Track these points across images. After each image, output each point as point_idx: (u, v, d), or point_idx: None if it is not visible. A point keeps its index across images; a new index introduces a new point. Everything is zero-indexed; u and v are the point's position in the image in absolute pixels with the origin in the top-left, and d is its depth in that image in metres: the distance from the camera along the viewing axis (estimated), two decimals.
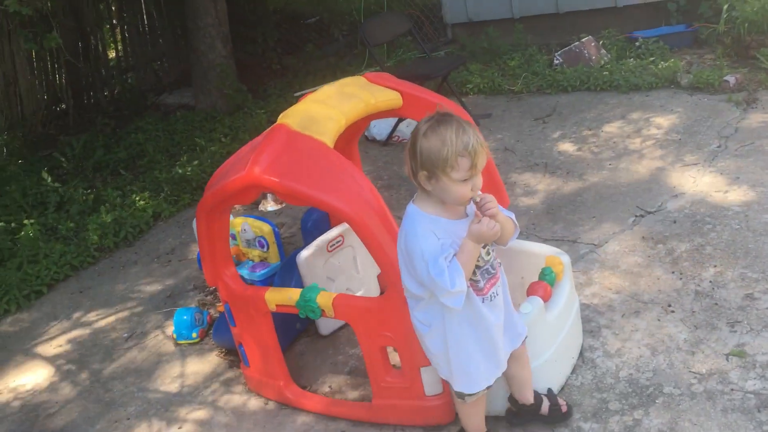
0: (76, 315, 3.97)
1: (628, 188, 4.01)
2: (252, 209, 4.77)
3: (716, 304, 2.90)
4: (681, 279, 3.11)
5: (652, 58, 5.81)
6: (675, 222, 3.56)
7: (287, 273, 3.24)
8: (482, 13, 7.87)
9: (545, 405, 2.48)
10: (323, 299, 2.56)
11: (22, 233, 4.87)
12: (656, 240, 3.44)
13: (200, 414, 2.95)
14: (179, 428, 2.89)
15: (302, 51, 8.68)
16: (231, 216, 3.86)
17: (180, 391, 3.14)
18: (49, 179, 5.63)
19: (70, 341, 3.72)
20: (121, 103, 8.27)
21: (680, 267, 3.19)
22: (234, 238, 3.69)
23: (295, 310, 2.62)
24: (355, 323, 2.57)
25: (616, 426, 2.41)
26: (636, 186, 4.02)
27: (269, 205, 4.74)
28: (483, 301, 2.14)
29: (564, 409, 2.48)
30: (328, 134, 2.48)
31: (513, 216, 2.17)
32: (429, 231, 2.04)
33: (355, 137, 3.26)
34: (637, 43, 6.16)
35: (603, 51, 6.28)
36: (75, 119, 7.81)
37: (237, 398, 3.00)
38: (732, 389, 2.46)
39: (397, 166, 5.13)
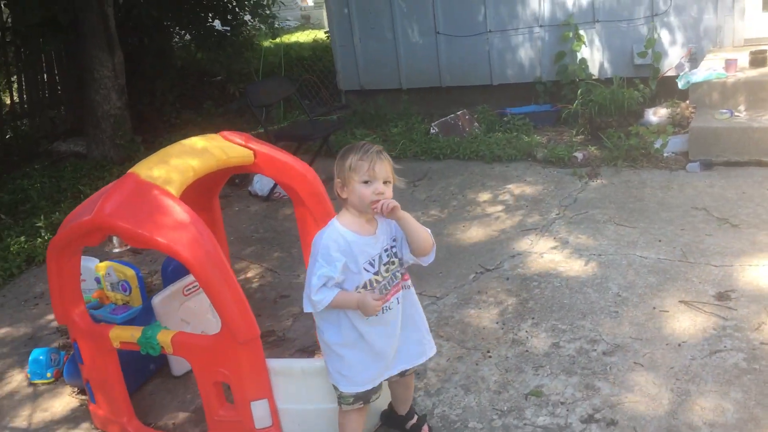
0: None
1: (475, 248, 4.42)
2: (99, 251, 4.91)
3: (527, 351, 3.28)
4: (503, 329, 3.48)
5: (515, 133, 6.38)
6: (508, 279, 3.96)
7: (146, 315, 3.42)
8: (373, 82, 8.40)
9: (411, 422, 2.78)
10: (163, 336, 2.77)
11: None
12: (489, 294, 3.82)
13: None
14: None
15: (202, 107, 8.94)
16: (97, 260, 4.02)
17: (27, 428, 3.23)
18: None
19: None
20: (12, 148, 8.24)
21: (504, 318, 3.57)
22: (99, 281, 3.83)
23: (137, 347, 2.82)
24: (192, 359, 2.79)
25: None
26: (482, 246, 4.43)
27: (115, 248, 4.93)
28: (378, 316, 2.40)
29: None
30: (174, 184, 2.73)
31: (429, 232, 2.44)
32: (334, 244, 2.35)
33: (216, 190, 3.52)
34: (506, 119, 6.75)
35: (476, 124, 6.83)
36: None
37: None
38: (525, 423, 2.80)
39: (274, 220, 5.40)
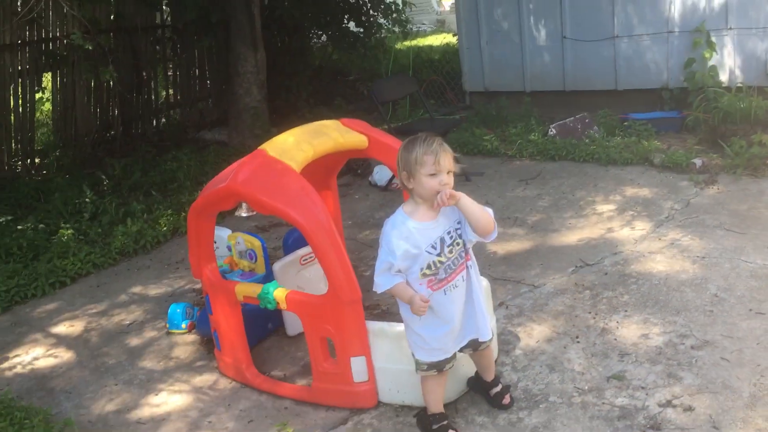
0: (90, 305, 4.63)
1: (578, 244, 4.55)
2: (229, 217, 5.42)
3: (615, 339, 3.41)
4: (594, 318, 3.62)
5: (635, 138, 6.38)
6: (606, 274, 4.08)
7: (268, 281, 3.85)
8: (497, 84, 8.59)
9: (495, 390, 3.00)
10: (279, 293, 3.17)
11: (58, 235, 5.61)
12: (585, 287, 3.97)
13: (177, 386, 3.54)
14: (155, 395, 3.48)
15: (333, 103, 9.49)
16: (229, 231, 4.52)
17: (163, 368, 3.74)
18: (89, 192, 6.40)
19: (80, 324, 4.36)
20: (165, 135, 9.13)
21: (597, 309, 3.71)
22: (230, 249, 4.33)
23: (257, 301, 3.23)
24: (302, 316, 3.16)
25: (502, 421, 2.93)
26: (585, 243, 4.56)
27: (243, 213, 5.43)
28: (445, 292, 2.68)
29: (505, 401, 2.99)
30: (295, 161, 3.12)
31: (491, 212, 2.68)
32: (397, 231, 2.63)
33: (334, 171, 3.90)
34: (626, 124, 6.75)
35: (595, 127, 6.87)
36: (122, 145, 8.66)
37: (208, 377, 3.59)
38: (603, 402, 2.95)
39: (390, 208, 5.74)
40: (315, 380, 3.20)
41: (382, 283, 2.67)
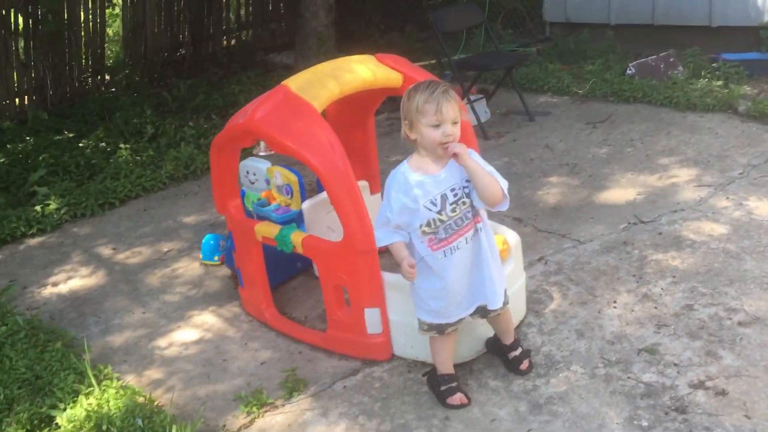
0: (134, 229, 4.67)
1: (636, 198, 4.22)
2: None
3: (656, 308, 3.14)
4: (638, 282, 3.35)
5: (722, 81, 5.82)
6: (660, 234, 3.76)
7: (301, 219, 3.76)
8: (580, 15, 8.02)
9: (513, 353, 2.82)
10: (296, 237, 3.05)
11: (117, 155, 5.68)
12: (634, 246, 3.67)
13: (199, 318, 3.53)
14: (178, 326, 3.48)
15: (404, 30, 9.13)
16: (269, 163, 4.42)
17: (190, 297, 3.74)
18: (149, 113, 6.43)
19: (122, 246, 4.41)
20: (234, 56, 9.06)
21: (642, 272, 3.43)
22: (268, 183, 4.23)
23: (274, 243, 3.13)
24: (318, 261, 3.05)
25: (516, 388, 2.76)
26: (644, 197, 4.21)
27: (261, 151, 5.30)
28: (444, 254, 2.50)
29: (523, 366, 2.80)
30: (318, 100, 2.94)
31: (498, 177, 2.47)
32: (395, 183, 2.49)
33: (370, 110, 3.69)
34: (715, 65, 6.17)
35: (680, 68, 6.32)
36: (191, 65, 8.65)
37: (231, 311, 3.56)
38: (628, 377, 2.73)
39: None
40: (329, 328, 3.11)
41: (380, 238, 2.53)
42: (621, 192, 4.33)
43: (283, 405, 2.82)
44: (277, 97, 2.95)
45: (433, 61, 7.54)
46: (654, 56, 6.40)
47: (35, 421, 2.75)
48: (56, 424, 2.73)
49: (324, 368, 3.03)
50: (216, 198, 3.37)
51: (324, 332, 3.16)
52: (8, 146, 5.88)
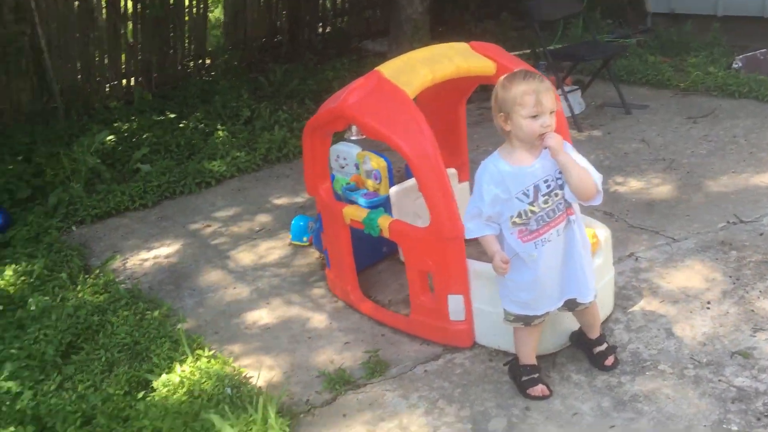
0: (228, 207, 4.85)
1: (737, 196, 4.04)
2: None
3: (752, 311, 3.02)
4: (734, 284, 3.22)
5: None
6: (761, 235, 3.60)
7: (388, 204, 3.80)
8: (684, 6, 7.73)
9: (599, 348, 2.77)
10: (383, 221, 3.10)
11: (214, 136, 5.90)
12: (733, 246, 3.53)
13: (287, 297, 3.64)
14: (267, 303, 3.60)
15: (499, 18, 9.02)
16: (359, 148, 4.48)
17: (279, 276, 3.86)
18: (246, 96, 6.64)
19: (217, 224, 4.59)
20: (329, 43, 9.20)
21: (740, 274, 3.29)
22: (357, 167, 4.30)
23: (362, 226, 3.19)
24: (404, 246, 3.08)
25: (600, 383, 2.71)
26: (745, 196, 4.03)
27: (352, 135, 5.34)
28: (536, 245, 2.48)
29: (608, 362, 2.75)
30: (411, 86, 2.96)
31: (593, 170, 2.43)
32: (487, 175, 2.48)
33: (462, 98, 3.68)
34: None
35: None
36: (287, 51, 8.85)
37: (317, 291, 3.65)
38: (719, 380, 2.64)
39: None
40: (413, 312, 3.14)
41: (471, 229, 2.53)
42: (721, 190, 4.16)
43: (365, 385, 2.88)
44: (370, 82, 3.00)
45: (528, 51, 7.42)
46: (763, 50, 6.09)
47: (133, 383, 2.92)
48: (152, 387, 2.88)
49: (406, 352, 3.07)
50: (307, 180, 3.45)
51: (407, 317, 3.20)
52: (115, 125, 6.19)
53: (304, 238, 4.18)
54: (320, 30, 9.49)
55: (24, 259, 4.07)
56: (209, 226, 4.60)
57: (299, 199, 4.85)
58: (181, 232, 4.53)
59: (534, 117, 2.34)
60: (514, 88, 2.35)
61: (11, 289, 3.78)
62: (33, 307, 3.47)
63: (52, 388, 2.91)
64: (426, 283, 3.07)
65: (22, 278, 3.88)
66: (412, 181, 3.76)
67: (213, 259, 4.14)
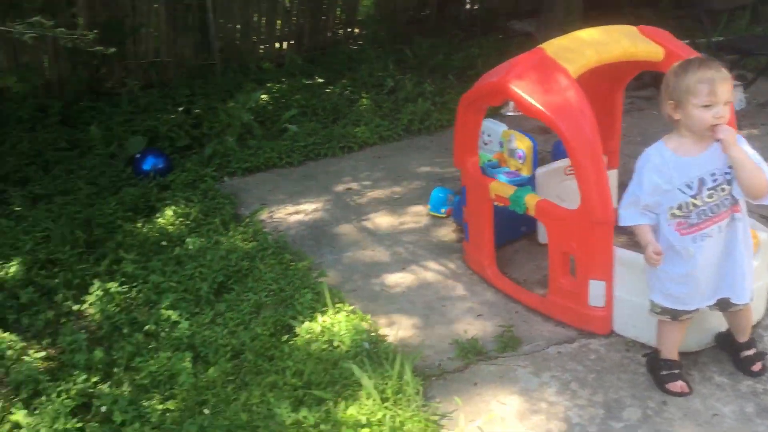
0: (369, 172, 4.99)
1: None
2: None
3: None
4: None
5: None
6: None
7: (530, 185, 3.80)
8: None
9: (746, 353, 2.68)
10: (530, 199, 3.11)
11: (358, 104, 6.06)
12: None
13: (423, 264, 3.73)
14: (403, 268, 3.70)
15: (657, 5, 8.64)
16: (505, 126, 4.48)
17: (416, 243, 3.95)
18: (391, 68, 6.75)
19: (357, 188, 4.74)
20: (476, 20, 9.15)
21: None
22: (501, 145, 4.31)
23: (507, 203, 3.21)
24: (549, 226, 3.08)
25: (744, 388, 2.63)
26: None
27: (509, 111, 5.27)
28: (694, 240, 2.42)
29: (755, 368, 2.66)
30: (574, 65, 2.93)
31: (766, 168, 2.34)
32: (650, 163, 2.44)
33: (621, 83, 3.60)
34: None
35: None
36: (434, 26, 8.88)
37: (453, 263, 3.72)
38: None
39: None
40: (550, 293, 3.15)
41: (625, 217, 2.50)
42: None
43: (496, 358, 2.93)
44: (533, 59, 2.99)
45: (687, 41, 7.07)
46: None
47: (278, 327, 3.11)
48: (294, 332, 3.06)
49: (539, 331, 3.09)
50: (456, 152, 3.50)
51: (543, 297, 3.20)
52: (267, 85, 6.48)
53: (443, 210, 4.25)
54: (468, 6, 9.45)
55: (182, 203, 4.38)
56: (350, 188, 4.76)
57: (438, 171, 4.91)
58: (324, 192, 4.72)
59: (707, 107, 2.27)
60: (688, 76, 2.29)
61: (170, 228, 4.09)
62: (191, 246, 3.75)
63: (206, 321, 3.15)
64: (567, 265, 3.06)
65: (180, 219, 4.19)
66: (558, 164, 3.74)
67: (352, 221, 4.29)
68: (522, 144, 4.13)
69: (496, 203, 3.35)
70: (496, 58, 7.22)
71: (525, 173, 4.12)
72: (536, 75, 2.93)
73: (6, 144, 5.16)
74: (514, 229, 3.84)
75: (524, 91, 2.91)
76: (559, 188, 3.71)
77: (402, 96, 6.24)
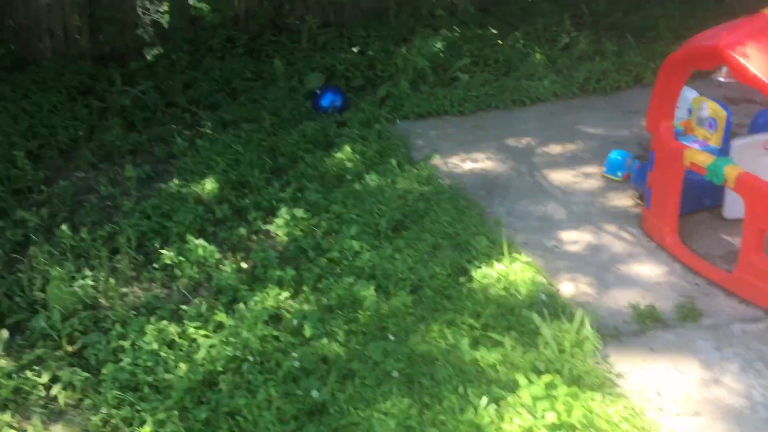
0: (541, 129, 4.94)
1: None
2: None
3: None
4: None
5: None
6: None
7: (720, 156, 3.64)
8: None
9: None
10: (730, 170, 2.99)
11: (530, 58, 5.96)
12: None
13: (598, 225, 3.70)
14: (576, 227, 3.69)
15: None
16: (696, 93, 4.29)
17: (590, 204, 3.91)
18: (568, 23, 6.57)
19: (529, 143, 4.72)
20: None
21: None
22: (690, 112, 4.13)
23: (703, 172, 3.11)
24: (748, 201, 2.96)
25: None
26: None
27: (721, 77, 4.97)
28: None
29: None
30: None
31: None
32: None
33: None
34: None
35: None
36: None
37: (630, 228, 3.66)
38: None
39: None
40: (738, 270, 3.04)
41: None
42: None
43: (675, 327, 2.89)
44: (756, 24, 2.84)
45: None
46: None
47: (454, 268, 3.21)
48: (470, 275, 3.15)
49: (721, 306, 3.01)
50: (650, 115, 3.41)
51: (729, 272, 3.10)
52: (441, 32, 6.50)
53: (619, 173, 4.16)
54: None
55: (359, 140, 4.55)
56: (522, 143, 4.74)
57: (613, 133, 4.79)
58: (494, 144, 4.73)
59: None
60: None
61: (348, 164, 4.27)
62: (370, 183, 3.91)
63: (386, 254, 3.30)
64: (762, 242, 2.94)
65: (357, 156, 4.35)
66: (758, 137, 3.55)
67: (524, 175, 4.30)
68: (714, 113, 3.95)
69: (688, 171, 3.25)
70: (680, 20, 6.88)
71: (713, 143, 3.95)
72: (758, 41, 2.78)
73: (199, 70, 5.53)
74: (697, 199, 3.71)
75: (743, 58, 2.77)
76: (755, 163, 3.50)
77: (576, 53, 6.08)
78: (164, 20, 5.66)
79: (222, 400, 2.50)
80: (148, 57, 4.41)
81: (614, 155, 4.22)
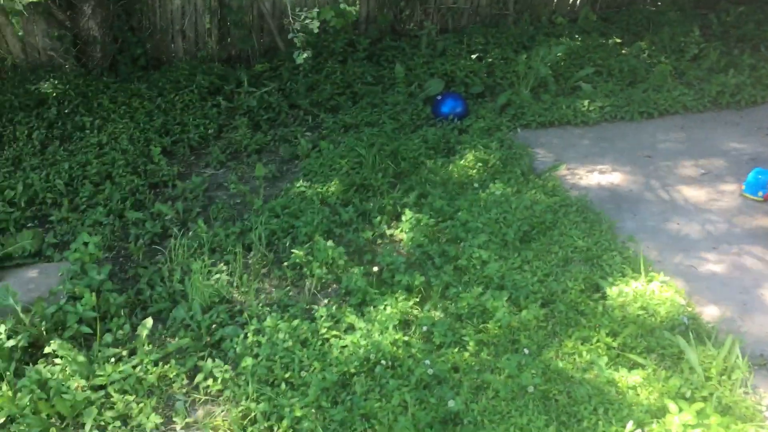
0: (670, 142, 4.74)
1: None
2: None
3: None
4: None
5: None
6: None
7: None
8: None
9: None
10: None
11: (657, 68, 5.74)
12: None
13: (739, 247, 3.51)
14: (714, 248, 3.51)
15: None
16: None
17: (728, 224, 3.72)
18: (697, 33, 6.29)
19: (657, 156, 4.54)
20: None
21: None
22: None
23: None
24: None
25: None
26: None
27: None
28: None
29: None
30: None
31: None
32: None
33: None
34: None
35: None
36: None
37: None
38: None
39: None
40: None
41: None
42: None
43: None
44: None
45: None
46: None
47: (587, 284, 3.12)
48: (604, 293, 3.05)
49: None
50: None
51: None
52: (562, 39, 6.37)
53: (760, 193, 3.94)
54: None
55: (481, 148, 4.51)
56: (650, 156, 4.57)
57: (750, 150, 4.55)
58: (622, 157, 4.58)
59: None
60: None
61: (471, 172, 4.23)
62: (496, 192, 3.86)
63: (515, 265, 3.25)
64: None
65: (480, 164, 4.31)
66: None
67: (655, 190, 4.14)
68: None
69: None
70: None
71: None
72: None
73: (322, 73, 5.63)
74: None
75: None
76: None
77: (706, 65, 5.82)
78: (314, 26, 5.74)
79: (357, 402, 2.52)
80: (298, 60, 4.55)
81: (755, 174, 4.00)
